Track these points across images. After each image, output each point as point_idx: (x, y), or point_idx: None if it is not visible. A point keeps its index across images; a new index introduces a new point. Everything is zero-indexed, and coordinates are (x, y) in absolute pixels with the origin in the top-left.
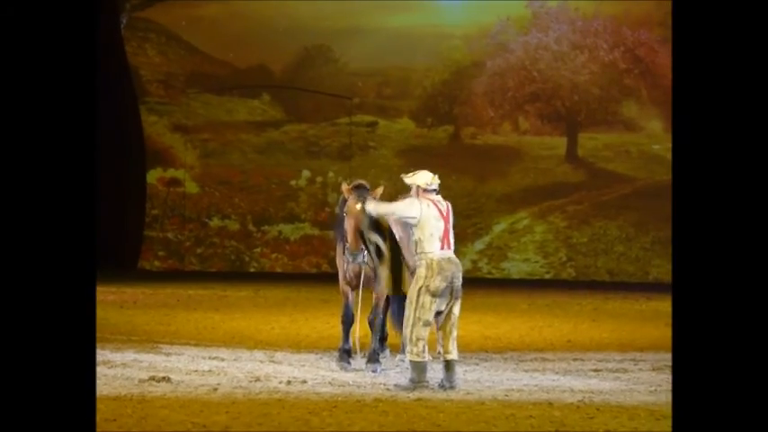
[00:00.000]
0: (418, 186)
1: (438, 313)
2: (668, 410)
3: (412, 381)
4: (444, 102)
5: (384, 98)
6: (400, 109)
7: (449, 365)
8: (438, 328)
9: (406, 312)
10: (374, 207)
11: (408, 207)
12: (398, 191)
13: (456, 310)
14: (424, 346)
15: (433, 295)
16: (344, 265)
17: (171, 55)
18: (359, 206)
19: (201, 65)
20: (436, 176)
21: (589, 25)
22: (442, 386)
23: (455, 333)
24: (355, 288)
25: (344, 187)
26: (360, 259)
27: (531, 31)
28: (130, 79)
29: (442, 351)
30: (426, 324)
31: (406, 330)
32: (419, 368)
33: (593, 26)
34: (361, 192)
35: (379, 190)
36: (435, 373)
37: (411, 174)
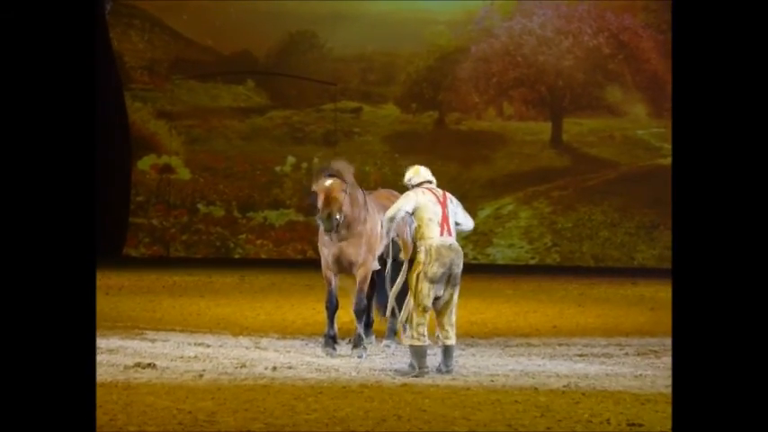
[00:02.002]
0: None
1: (437, 299)
2: (653, 395)
3: (412, 366)
4: (429, 87)
5: (369, 84)
6: (385, 95)
7: (447, 350)
8: (437, 314)
9: (406, 298)
10: (387, 224)
11: (405, 200)
12: (384, 176)
13: (455, 296)
14: (423, 331)
15: (431, 281)
16: (326, 251)
17: (155, 41)
18: (328, 182)
19: (186, 51)
20: (420, 170)
21: (573, 10)
22: (438, 370)
23: (453, 318)
24: (338, 274)
25: (315, 167)
26: (334, 224)
27: (516, 16)
28: (115, 66)
29: (440, 336)
30: (425, 310)
31: (404, 315)
32: (419, 353)
33: (577, 11)
34: (329, 170)
35: (346, 166)
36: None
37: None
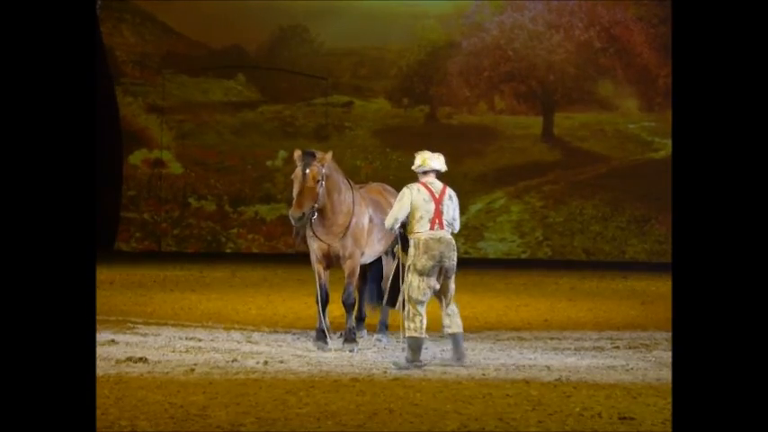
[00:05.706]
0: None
1: (434, 291)
2: (644, 388)
3: (407, 360)
4: (420, 82)
5: (360, 78)
6: (376, 89)
7: (453, 339)
8: (440, 306)
9: (400, 291)
10: (389, 226)
11: (401, 201)
12: (375, 170)
13: (452, 287)
14: (421, 322)
15: (420, 274)
16: (315, 245)
17: (146, 35)
18: (306, 171)
19: (177, 45)
20: (427, 159)
21: (564, 4)
22: (450, 363)
23: (454, 308)
24: (327, 268)
25: (296, 153)
26: (302, 222)
27: (507, 10)
28: (106, 60)
29: (444, 326)
30: (418, 302)
31: (401, 308)
32: (415, 345)
33: (568, 5)
34: (307, 158)
35: (328, 156)
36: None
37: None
